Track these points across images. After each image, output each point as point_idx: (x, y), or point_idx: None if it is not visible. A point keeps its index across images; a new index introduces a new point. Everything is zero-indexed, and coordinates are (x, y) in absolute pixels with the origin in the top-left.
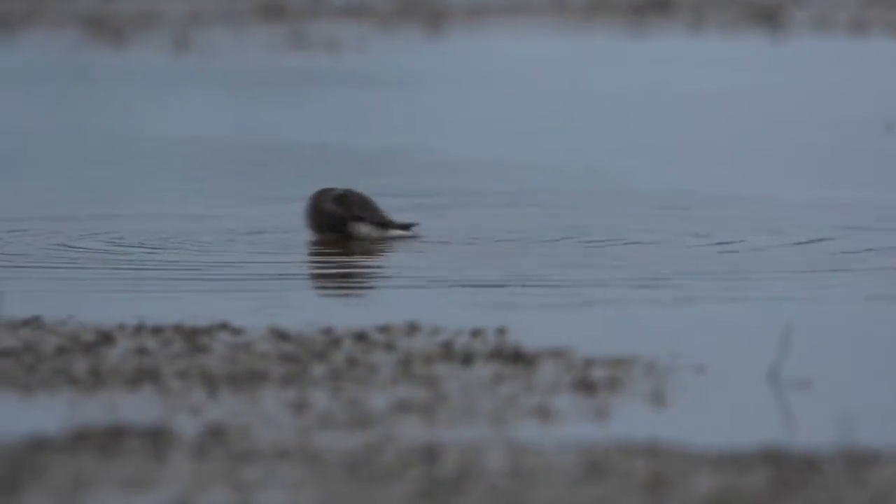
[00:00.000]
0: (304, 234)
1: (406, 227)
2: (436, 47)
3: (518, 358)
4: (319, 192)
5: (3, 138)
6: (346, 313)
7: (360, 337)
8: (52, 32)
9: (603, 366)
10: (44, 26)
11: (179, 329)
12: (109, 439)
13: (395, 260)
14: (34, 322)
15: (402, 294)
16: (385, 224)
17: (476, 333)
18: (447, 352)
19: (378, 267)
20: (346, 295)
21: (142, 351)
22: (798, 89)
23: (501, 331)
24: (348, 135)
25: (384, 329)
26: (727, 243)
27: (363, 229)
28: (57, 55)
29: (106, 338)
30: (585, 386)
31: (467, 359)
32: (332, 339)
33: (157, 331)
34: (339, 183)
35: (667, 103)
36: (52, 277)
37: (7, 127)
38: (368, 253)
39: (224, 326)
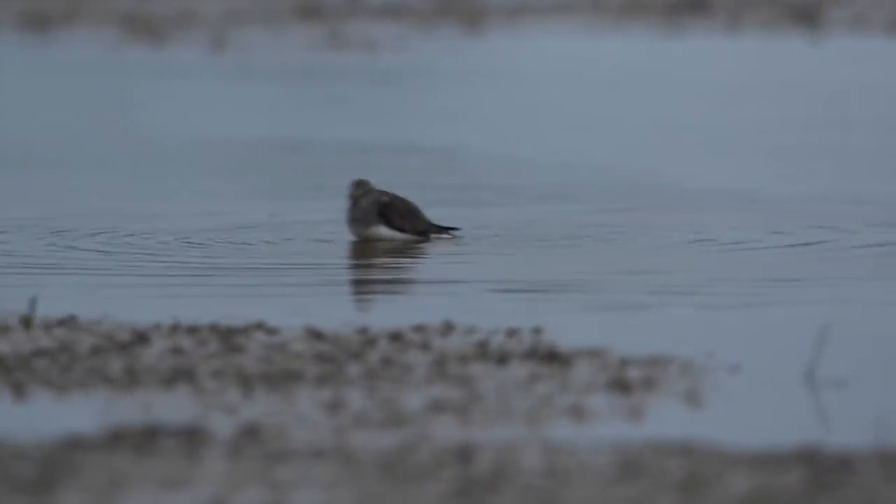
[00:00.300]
0: (341, 233)
1: (448, 231)
2: (474, 46)
3: (553, 358)
4: (356, 184)
5: (42, 137)
6: (381, 313)
7: (396, 337)
8: (92, 31)
9: (638, 366)
10: (84, 25)
11: (215, 329)
12: (145, 439)
13: (430, 260)
14: (69, 322)
15: (437, 294)
16: (426, 231)
17: (511, 333)
18: (482, 352)
19: (414, 267)
20: (382, 295)
21: (177, 350)
22: (835, 89)
23: (537, 331)
24: (388, 132)
25: (419, 329)
26: (763, 243)
27: (386, 233)
28: (96, 53)
29: (141, 337)
30: (621, 386)
31: (503, 359)
32: (367, 339)
33: (192, 330)
34: (380, 179)
35: (704, 102)
36: (87, 278)
37: (47, 125)
38: (404, 253)
39: (260, 326)
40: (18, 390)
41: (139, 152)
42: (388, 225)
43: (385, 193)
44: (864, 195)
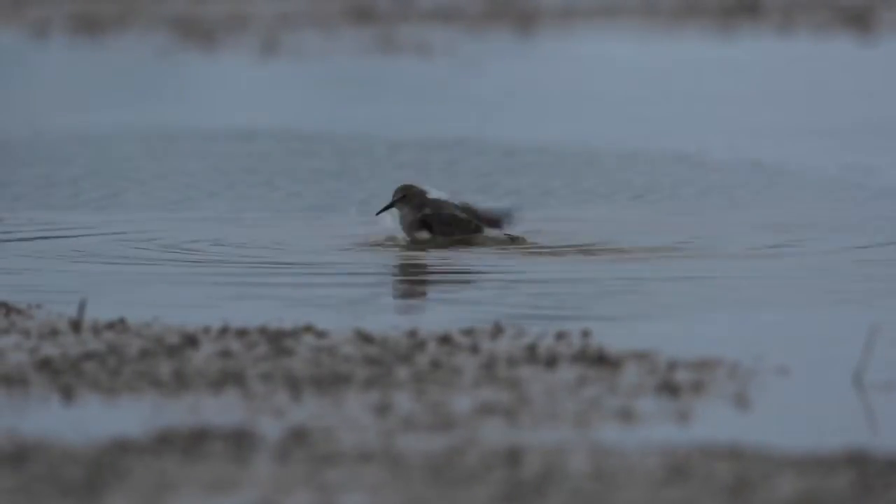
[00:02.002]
0: (389, 236)
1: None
2: (526, 50)
3: (602, 360)
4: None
5: (93, 141)
6: (430, 316)
7: (445, 340)
8: (143, 34)
9: (686, 368)
10: (135, 28)
11: (264, 331)
12: (193, 442)
13: (480, 262)
14: (119, 325)
15: (486, 296)
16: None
17: (560, 336)
18: (531, 354)
19: (463, 269)
20: (431, 297)
21: (226, 353)
22: (887, 91)
23: (586, 333)
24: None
25: (468, 332)
26: (808, 243)
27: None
28: (148, 57)
29: (190, 340)
30: (669, 388)
31: (551, 361)
32: (416, 342)
33: (241, 333)
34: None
35: (759, 101)
36: (136, 281)
37: (98, 128)
38: (453, 255)
39: (309, 329)
40: (67, 393)
41: (188, 156)
42: (431, 232)
43: (431, 204)
44: None
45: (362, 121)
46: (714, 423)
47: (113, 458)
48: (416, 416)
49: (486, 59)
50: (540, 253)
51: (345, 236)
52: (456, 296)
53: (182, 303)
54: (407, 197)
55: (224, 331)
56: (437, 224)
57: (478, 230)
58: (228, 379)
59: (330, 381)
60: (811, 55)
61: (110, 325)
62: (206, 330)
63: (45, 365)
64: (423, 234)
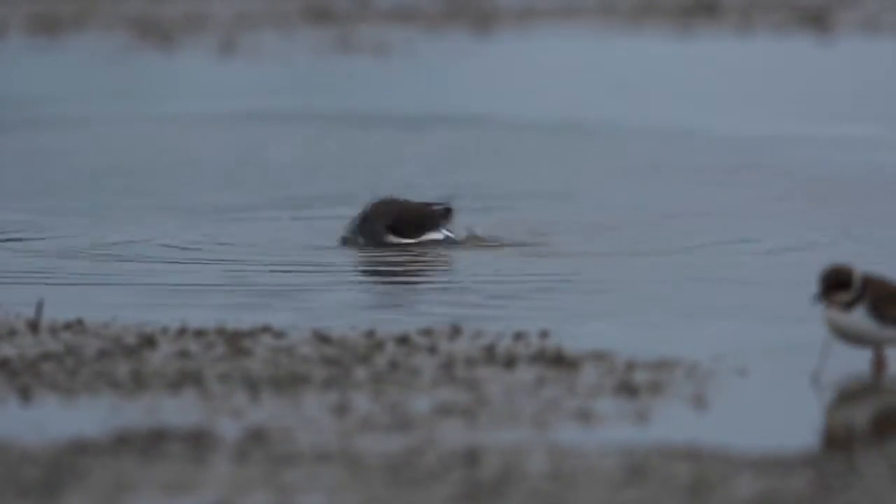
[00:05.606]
0: (348, 237)
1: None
2: (484, 50)
3: (560, 361)
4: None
5: (49, 140)
6: (388, 316)
7: (403, 340)
8: (102, 34)
9: (645, 369)
10: (93, 28)
11: (222, 332)
12: (151, 443)
13: (438, 263)
14: (76, 325)
15: (445, 297)
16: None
17: (519, 336)
18: (489, 355)
19: (421, 269)
20: (390, 298)
21: (184, 354)
22: (844, 91)
23: (544, 334)
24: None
25: (427, 332)
26: (771, 247)
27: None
28: (106, 56)
29: (148, 341)
30: (627, 389)
31: (510, 362)
32: (374, 343)
33: (199, 334)
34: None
35: (721, 106)
36: (94, 280)
37: (54, 128)
38: (412, 256)
39: (266, 329)
40: (25, 394)
41: (147, 156)
42: (399, 235)
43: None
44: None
45: (319, 117)
46: (672, 423)
47: (71, 458)
48: (374, 416)
49: (444, 59)
50: (498, 252)
51: (303, 236)
52: (414, 296)
53: (140, 303)
54: (367, 213)
55: (182, 331)
56: (405, 225)
57: (445, 216)
58: (186, 379)
59: (288, 382)
60: (769, 54)
61: (68, 326)
62: (164, 330)
63: (2, 365)
64: (390, 238)
